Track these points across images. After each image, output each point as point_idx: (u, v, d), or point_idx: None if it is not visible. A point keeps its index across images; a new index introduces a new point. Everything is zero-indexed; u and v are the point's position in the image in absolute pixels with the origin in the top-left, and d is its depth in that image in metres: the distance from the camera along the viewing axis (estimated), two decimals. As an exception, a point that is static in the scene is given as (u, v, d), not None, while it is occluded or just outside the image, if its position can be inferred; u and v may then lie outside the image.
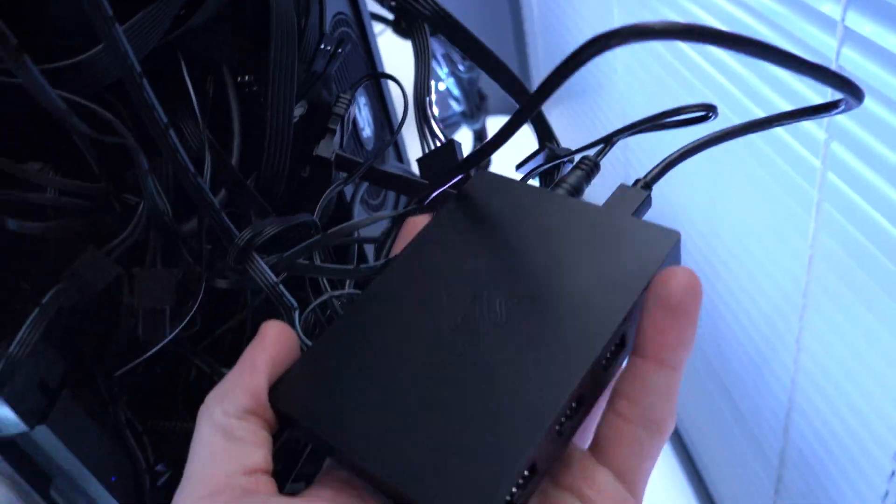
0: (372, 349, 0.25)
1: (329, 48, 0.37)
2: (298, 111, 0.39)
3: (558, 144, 0.38)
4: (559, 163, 0.28)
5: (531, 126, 0.37)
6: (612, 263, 0.24)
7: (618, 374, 0.25)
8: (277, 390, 0.25)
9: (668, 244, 0.24)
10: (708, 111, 0.27)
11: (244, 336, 0.38)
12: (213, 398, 0.25)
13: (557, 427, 0.22)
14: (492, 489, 0.20)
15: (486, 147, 0.26)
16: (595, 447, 0.24)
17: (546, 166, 0.28)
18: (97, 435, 0.32)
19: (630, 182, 0.27)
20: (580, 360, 0.22)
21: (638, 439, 0.23)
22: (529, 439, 0.21)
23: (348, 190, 0.43)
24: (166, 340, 0.31)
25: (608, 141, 0.27)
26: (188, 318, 0.31)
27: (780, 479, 0.71)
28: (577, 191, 0.27)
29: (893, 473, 0.54)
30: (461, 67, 0.76)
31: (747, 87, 0.60)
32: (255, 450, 0.24)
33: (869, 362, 0.54)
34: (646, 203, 0.26)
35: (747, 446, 0.77)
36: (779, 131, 0.58)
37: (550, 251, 0.25)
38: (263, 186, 0.36)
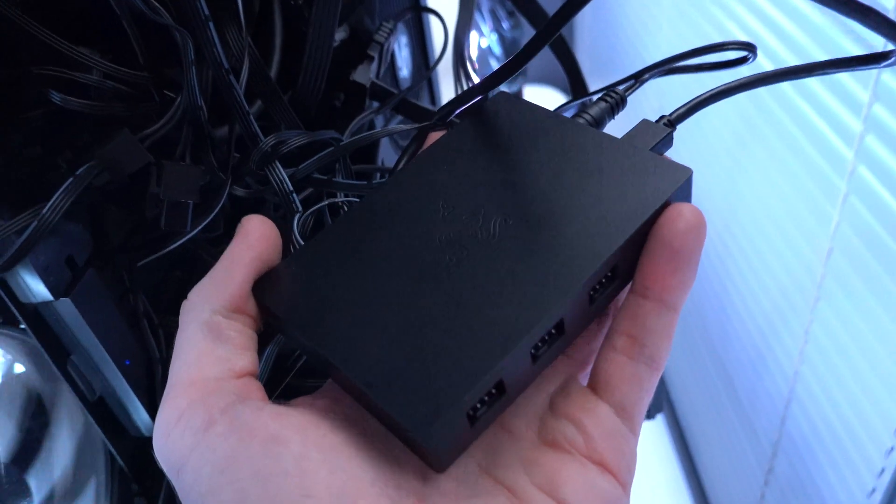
0: (361, 254, 0.25)
1: (375, -27, 0.37)
2: (340, 35, 0.39)
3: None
4: (586, 100, 0.28)
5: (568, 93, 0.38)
6: (616, 194, 0.23)
7: (610, 308, 0.25)
8: (263, 285, 0.25)
9: (678, 180, 0.23)
10: (748, 50, 0.26)
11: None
12: (198, 295, 0.24)
13: (532, 350, 0.22)
14: (454, 400, 0.20)
15: (508, 66, 0.25)
16: (594, 383, 0.24)
17: (574, 102, 0.28)
18: (116, 318, 0.33)
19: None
20: (564, 287, 0.22)
21: (639, 376, 0.23)
22: (497, 355, 0.21)
23: (380, 122, 0.44)
24: (190, 235, 0.32)
25: (638, 77, 0.27)
26: (210, 218, 0.32)
27: (770, 469, 0.72)
28: (597, 122, 0.26)
29: (883, 471, 0.54)
30: (505, 25, 0.76)
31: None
32: (243, 352, 0.23)
33: (876, 359, 0.54)
34: (666, 140, 0.25)
35: (742, 433, 0.77)
36: (813, 119, 0.58)
37: (555, 175, 0.24)
38: (297, 105, 0.36)
